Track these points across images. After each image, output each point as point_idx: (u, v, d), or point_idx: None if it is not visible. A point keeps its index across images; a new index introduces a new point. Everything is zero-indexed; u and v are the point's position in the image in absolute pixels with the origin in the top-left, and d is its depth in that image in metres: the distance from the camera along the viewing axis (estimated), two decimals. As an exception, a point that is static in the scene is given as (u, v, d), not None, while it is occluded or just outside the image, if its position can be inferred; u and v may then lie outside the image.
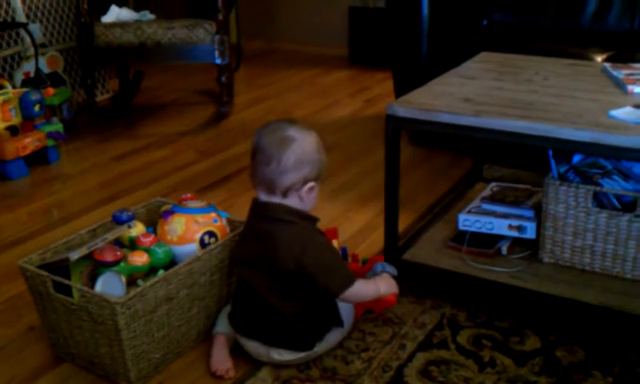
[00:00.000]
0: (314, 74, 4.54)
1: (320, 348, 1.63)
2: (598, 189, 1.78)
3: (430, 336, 1.73)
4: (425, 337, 1.73)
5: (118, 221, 1.75)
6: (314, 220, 1.63)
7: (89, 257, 1.61)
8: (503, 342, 1.70)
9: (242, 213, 1.95)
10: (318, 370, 1.62)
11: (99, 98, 3.92)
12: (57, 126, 3.02)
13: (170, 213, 1.75)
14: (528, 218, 1.93)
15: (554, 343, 1.69)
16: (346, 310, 1.68)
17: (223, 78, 3.50)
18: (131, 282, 1.63)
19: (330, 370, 1.62)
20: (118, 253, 1.61)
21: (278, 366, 1.62)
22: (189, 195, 1.85)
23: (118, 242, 1.75)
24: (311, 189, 1.60)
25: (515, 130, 1.64)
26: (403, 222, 1.99)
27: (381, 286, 1.69)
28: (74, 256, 1.56)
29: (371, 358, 1.66)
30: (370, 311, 1.81)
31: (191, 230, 1.72)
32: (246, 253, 1.63)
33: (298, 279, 1.55)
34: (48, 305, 1.62)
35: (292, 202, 1.59)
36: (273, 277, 1.56)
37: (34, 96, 2.93)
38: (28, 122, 2.92)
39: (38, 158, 2.95)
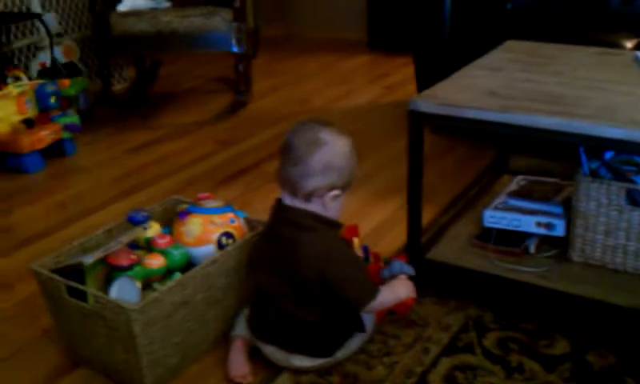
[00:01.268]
0: (333, 59, 4.46)
1: (341, 354, 1.58)
2: (631, 186, 1.70)
3: (454, 339, 1.67)
4: (449, 340, 1.67)
5: (133, 221, 1.71)
6: (337, 227, 1.57)
7: (103, 260, 1.57)
8: (531, 345, 1.64)
9: (260, 208, 1.91)
10: (339, 375, 1.57)
11: (116, 86, 3.88)
12: (73, 118, 2.98)
13: (187, 213, 1.71)
14: (557, 215, 1.85)
15: (584, 347, 1.62)
16: (367, 314, 1.63)
17: (240, 67, 3.44)
18: (147, 285, 1.59)
19: (351, 376, 1.57)
20: (133, 256, 1.57)
21: (297, 371, 1.58)
22: (206, 194, 1.81)
23: (134, 243, 1.70)
24: (336, 197, 1.54)
25: (545, 127, 1.57)
26: (425, 216, 1.92)
27: (399, 291, 1.63)
28: (88, 260, 1.52)
29: (394, 363, 1.60)
30: (392, 312, 1.75)
31: (208, 231, 1.67)
32: (266, 257, 1.58)
33: (318, 289, 1.49)
34: (62, 310, 1.58)
35: (315, 207, 1.53)
36: (292, 284, 1.51)
37: (50, 88, 2.91)
38: (44, 114, 2.89)
39: (54, 151, 2.92)
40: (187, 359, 1.61)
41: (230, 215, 1.71)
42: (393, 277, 1.67)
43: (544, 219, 1.85)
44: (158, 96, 3.81)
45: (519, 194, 1.99)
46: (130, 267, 1.55)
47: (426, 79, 2.81)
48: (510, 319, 1.73)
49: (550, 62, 2.01)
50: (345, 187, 1.55)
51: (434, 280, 1.83)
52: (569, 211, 1.84)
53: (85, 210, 2.50)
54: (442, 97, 1.75)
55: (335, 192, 1.52)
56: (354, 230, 1.87)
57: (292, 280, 1.51)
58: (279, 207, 1.58)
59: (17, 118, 2.80)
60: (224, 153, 2.97)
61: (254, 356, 1.62)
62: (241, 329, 1.65)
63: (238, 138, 3.13)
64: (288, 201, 1.55)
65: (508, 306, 1.76)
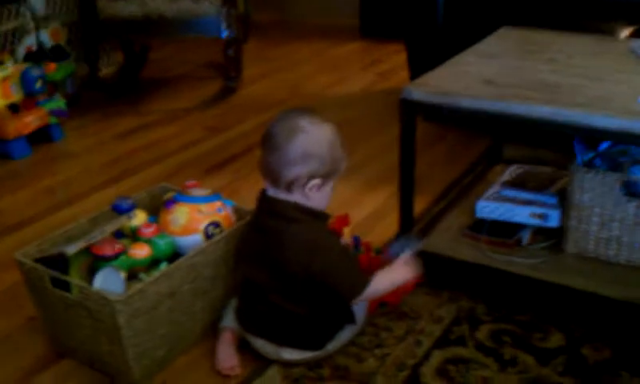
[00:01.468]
0: (325, 46, 4.41)
1: (331, 346, 1.55)
2: (626, 177, 1.67)
3: (447, 331, 1.64)
4: (442, 332, 1.64)
5: (117, 210, 1.66)
6: (323, 218, 1.54)
7: (87, 250, 1.53)
8: (525, 338, 1.61)
9: (248, 196, 1.86)
10: (329, 368, 1.54)
11: (104, 71, 3.81)
12: (59, 103, 2.93)
13: (173, 202, 1.67)
14: (551, 206, 1.82)
15: (578, 340, 1.60)
16: (359, 305, 1.59)
17: (230, 52, 3.39)
18: (133, 276, 1.55)
19: (341, 369, 1.54)
20: (118, 246, 1.53)
21: (287, 364, 1.54)
22: (193, 182, 1.77)
23: (120, 232, 1.66)
24: (319, 186, 1.49)
25: (540, 116, 1.54)
26: (417, 206, 1.89)
27: (395, 276, 1.59)
28: (71, 250, 1.48)
29: (385, 355, 1.57)
30: (384, 304, 1.72)
31: (195, 220, 1.63)
32: (252, 250, 1.55)
33: (306, 282, 1.46)
34: (46, 300, 1.54)
35: (297, 197, 1.49)
36: (280, 278, 1.48)
37: (36, 72, 2.84)
38: (29, 98, 2.83)
39: (41, 136, 2.86)
40: (174, 351, 1.58)
41: (218, 204, 1.68)
42: (396, 257, 1.62)
43: (538, 210, 1.82)
44: (146, 81, 3.75)
45: (513, 183, 1.96)
46: (114, 257, 1.51)
47: (418, 66, 2.77)
48: (503, 311, 1.70)
49: (546, 50, 1.98)
50: (328, 176, 1.50)
51: (426, 271, 1.79)
52: (563, 202, 1.81)
53: (73, 197, 2.45)
54: (434, 85, 1.72)
55: (316, 181, 1.48)
56: (345, 220, 1.84)
57: (279, 273, 1.48)
58: (263, 199, 1.54)
59: (1, 103, 2.73)
60: (213, 139, 2.93)
61: (243, 347, 1.59)
62: (229, 320, 1.62)
63: (228, 125, 3.08)
64: (271, 192, 1.52)
65: (501, 297, 1.74)
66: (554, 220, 1.81)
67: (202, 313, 1.63)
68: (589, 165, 1.73)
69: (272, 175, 1.49)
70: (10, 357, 1.64)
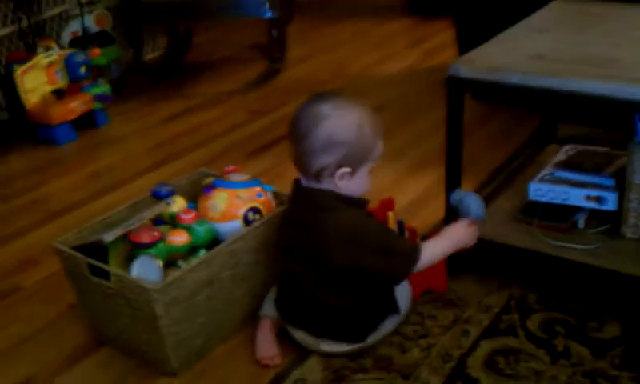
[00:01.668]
0: (370, 25, 4.31)
1: (374, 338, 1.49)
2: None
3: (496, 321, 1.57)
4: (490, 322, 1.57)
5: (156, 196, 1.64)
6: (361, 205, 1.47)
7: (125, 237, 1.51)
8: (579, 328, 1.53)
9: (292, 180, 1.83)
10: (371, 359, 1.48)
11: (149, 55, 3.81)
12: (104, 88, 2.93)
13: (212, 187, 1.63)
14: (608, 188, 1.72)
15: (636, 331, 1.51)
16: (402, 293, 1.54)
17: (274, 33, 3.34)
18: (171, 263, 1.53)
19: (384, 359, 1.48)
20: (155, 233, 1.50)
21: (328, 354, 1.50)
22: (232, 167, 1.73)
23: (159, 219, 1.64)
24: (349, 174, 1.42)
25: (597, 93, 1.44)
26: (465, 190, 1.81)
27: (451, 241, 1.53)
28: (109, 237, 1.46)
29: (430, 346, 1.51)
30: (429, 292, 1.66)
31: (234, 205, 1.59)
32: (291, 241, 1.50)
33: (350, 273, 1.41)
34: (85, 288, 1.53)
35: (328, 186, 1.43)
36: (321, 270, 1.42)
37: (80, 57, 2.85)
38: (74, 84, 2.84)
39: (85, 122, 2.87)
40: (213, 340, 1.55)
41: (257, 189, 1.64)
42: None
43: (594, 192, 1.72)
44: (191, 65, 3.73)
45: (567, 164, 1.86)
46: (152, 244, 1.49)
47: (467, 42, 2.67)
48: (556, 300, 1.62)
49: (603, 22, 1.86)
50: (359, 163, 1.42)
51: (474, 257, 1.72)
52: (621, 183, 1.70)
53: (117, 182, 2.45)
54: (483, 60, 1.63)
55: (346, 169, 1.41)
56: (389, 205, 1.77)
57: (319, 265, 1.42)
58: (297, 189, 1.49)
59: (47, 89, 2.76)
60: (257, 123, 2.89)
61: (283, 337, 1.55)
62: (269, 309, 1.58)
63: (271, 107, 3.03)
64: (304, 182, 1.46)
65: (554, 285, 1.65)
66: (610, 203, 1.70)
67: (242, 301, 1.60)
68: (649, 144, 1.62)
69: (301, 165, 1.44)
70: (54, 343, 1.64)
